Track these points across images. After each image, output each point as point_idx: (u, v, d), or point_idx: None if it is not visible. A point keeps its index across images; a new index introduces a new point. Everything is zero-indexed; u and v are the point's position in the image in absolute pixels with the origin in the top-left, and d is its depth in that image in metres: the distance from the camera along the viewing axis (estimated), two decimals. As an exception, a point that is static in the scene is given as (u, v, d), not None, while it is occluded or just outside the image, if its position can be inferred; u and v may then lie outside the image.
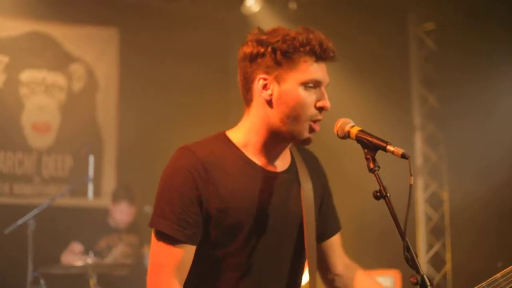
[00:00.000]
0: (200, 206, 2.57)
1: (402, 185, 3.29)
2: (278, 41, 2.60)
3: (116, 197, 7.35)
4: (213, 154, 2.63)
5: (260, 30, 2.69)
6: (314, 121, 2.64)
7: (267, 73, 2.63)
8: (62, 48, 8.39)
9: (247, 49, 2.65)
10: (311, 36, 2.61)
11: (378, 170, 2.45)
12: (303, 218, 2.75)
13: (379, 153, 2.49)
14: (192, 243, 2.58)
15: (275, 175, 2.71)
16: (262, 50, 2.62)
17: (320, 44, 2.62)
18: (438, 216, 8.60)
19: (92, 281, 6.28)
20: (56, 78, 8.36)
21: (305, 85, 2.61)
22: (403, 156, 2.39)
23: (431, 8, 8.61)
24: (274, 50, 2.60)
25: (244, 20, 8.53)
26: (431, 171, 8.73)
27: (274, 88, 2.62)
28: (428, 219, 8.69)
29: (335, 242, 3.00)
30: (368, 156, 2.48)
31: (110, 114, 8.59)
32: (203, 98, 8.39)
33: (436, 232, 8.62)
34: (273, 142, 2.68)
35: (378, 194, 2.43)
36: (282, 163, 2.75)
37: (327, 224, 2.95)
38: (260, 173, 2.68)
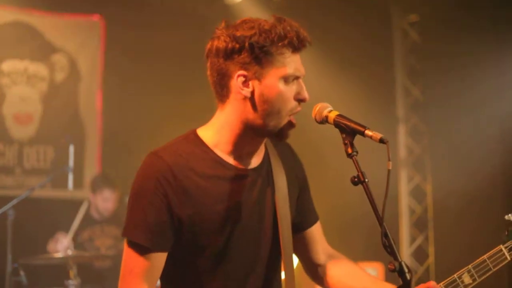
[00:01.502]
0: (170, 213, 2.54)
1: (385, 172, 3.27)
2: (254, 35, 2.52)
3: (96, 186, 7.30)
4: (182, 157, 2.58)
5: (227, 22, 2.60)
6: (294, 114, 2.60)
7: (245, 69, 2.54)
8: (44, 38, 8.33)
9: (220, 44, 2.56)
10: (287, 27, 2.54)
11: (356, 156, 2.43)
12: (276, 213, 2.72)
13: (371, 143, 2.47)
14: (162, 250, 2.57)
15: (247, 172, 2.66)
16: (237, 46, 2.53)
17: (297, 36, 2.55)
18: (422, 209, 8.60)
19: (72, 272, 6.23)
20: (38, 69, 8.30)
21: (286, 78, 2.55)
22: (381, 141, 2.36)
23: (414, 0, 8.60)
24: (251, 46, 2.51)
25: (227, 10, 8.49)
26: (415, 164, 8.73)
27: (254, 85, 2.54)
28: (412, 211, 8.69)
29: (315, 233, 2.97)
30: (346, 141, 2.45)
31: (92, 104, 8.52)
32: (186, 89, 8.34)
33: (419, 225, 8.62)
34: (248, 139, 2.63)
35: (356, 179, 2.40)
36: (255, 160, 2.70)
37: (305, 215, 2.92)
38: (232, 172, 2.63)
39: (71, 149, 7.28)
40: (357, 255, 7.28)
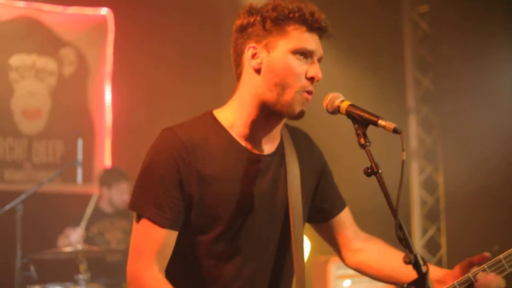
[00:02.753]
0: (181, 189, 2.51)
1: (396, 163, 3.23)
2: (268, 9, 2.57)
3: (113, 179, 7.29)
4: (197, 135, 2.57)
5: (252, 4, 2.64)
6: (306, 92, 2.59)
7: (256, 41, 2.59)
8: (52, 32, 8.30)
9: (238, 21, 2.63)
10: (302, 5, 2.57)
11: (369, 146, 2.39)
12: (288, 202, 2.69)
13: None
14: (173, 228, 2.53)
15: (260, 158, 2.65)
16: (252, 19, 2.59)
17: (311, 13, 2.58)
18: (433, 200, 8.55)
19: (82, 267, 6.21)
20: (47, 63, 8.28)
21: (295, 53, 2.57)
22: (395, 130, 2.32)
23: (425, -10, 8.56)
24: (263, 18, 2.57)
25: (236, 4, 8.44)
26: (426, 155, 8.68)
27: (263, 56, 2.58)
28: (423, 203, 8.64)
29: (344, 219, 2.98)
30: (358, 132, 2.42)
31: (101, 98, 8.50)
32: (197, 83, 8.31)
33: (431, 216, 8.57)
34: (263, 119, 2.62)
35: (369, 170, 2.36)
36: (269, 146, 2.69)
37: (331, 202, 2.92)
38: (245, 155, 2.62)
39: (80, 143, 7.25)
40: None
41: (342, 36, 8.25)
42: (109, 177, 7.37)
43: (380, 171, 2.34)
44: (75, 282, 6.25)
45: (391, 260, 2.89)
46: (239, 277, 2.61)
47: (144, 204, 2.52)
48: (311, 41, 2.60)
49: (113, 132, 8.46)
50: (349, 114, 2.46)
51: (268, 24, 2.57)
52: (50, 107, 8.26)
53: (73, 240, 6.70)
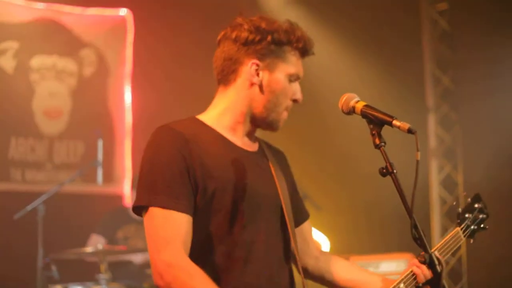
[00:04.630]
0: (188, 176, 2.57)
1: (411, 163, 3.24)
2: (276, 31, 2.74)
3: None
4: (188, 131, 2.67)
5: (247, 15, 2.83)
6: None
7: (259, 59, 2.74)
8: (72, 33, 8.35)
9: (242, 34, 2.76)
10: (302, 34, 2.79)
11: (384, 146, 2.42)
12: (280, 198, 2.79)
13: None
14: (189, 213, 2.57)
15: (247, 153, 2.78)
16: (259, 37, 2.73)
17: (309, 43, 2.80)
18: (453, 199, 8.53)
19: (103, 267, 6.25)
20: (67, 64, 8.33)
21: (290, 77, 2.77)
22: (409, 131, 2.36)
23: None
24: (273, 40, 2.73)
25: (255, 3, 8.47)
26: (445, 153, 8.66)
27: (264, 75, 2.74)
28: (443, 201, 8.62)
29: (306, 229, 3.05)
30: (373, 132, 2.47)
31: (121, 99, 8.54)
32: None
33: (450, 215, 8.54)
34: (246, 124, 2.79)
35: (384, 170, 2.40)
36: (251, 145, 2.84)
37: (297, 212, 2.97)
38: (234, 148, 2.75)
39: (100, 143, 7.29)
40: (388, 247, 7.26)
41: (361, 35, 8.32)
42: None
43: (395, 171, 2.37)
44: (96, 281, 6.29)
45: (352, 273, 3.00)
46: (248, 260, 2.65)
47: (157, 196, 2.55)
48: (301, 67, 2.83)
49: (133, 132, 8.49)
50: (364, 115, 2.52)
51: (274, 46, 2.75)
52: (70, 108, 8.30)
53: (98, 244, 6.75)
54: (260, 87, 2.75)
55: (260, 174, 2.78)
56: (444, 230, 8.52)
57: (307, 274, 2.99)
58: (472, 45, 8.04)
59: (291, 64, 2.77)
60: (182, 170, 2.57)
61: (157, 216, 2.55)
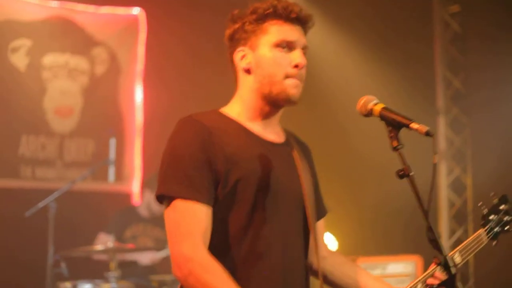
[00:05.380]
0: (210, 168, 2.58)
1: (423, 166, 3.26)
2: (247, 13, 2.77)
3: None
4: (213, 122, 2.69)
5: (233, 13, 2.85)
6: (295, 78, 2.75)
7: (243, 45, 2.78)
8: (84, 32, 8.38)
9: (226, 31, 2.83)
10: (275, 1, 2.76)
11: (401, 149, 2.42)
12: (303, 193, 2.79)
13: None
14: (210, 205, 2.58)
15: (272, 145, 2.78)
16: (236, 26, 2.79)
17: (284, 7, 2.75)
18: (461, 202, 8.53)
19: (113, 265, 6.28)
20: (79, 62, 8.35)
21: (277, 46, 2.74)
22: (427, 133, 2.36)
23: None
24: (243, 23, 2.76)
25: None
26: (455, 156, 8.66)
27: (250, 57, 2.76)
28: (451, 204, 8.62)
29: (322, 225, 3.05)
30: (391, 134, 2.46)
31: (132, 98, 8.56)
32: (229, 79, 8.32)
33: (458, 217, 8.55)
34: (264, 111, 2.78)
35: (401, 173, 2.40)
36: (277, 136, 2.83)
37: (316, 208, 2.96)
38: (258, 140, 2.75)
39: (113, 142, 7.32)
40: (395, 248, 7.26)
41: (372, 37, 8.32)
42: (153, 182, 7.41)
43: (412, 174, 2.38)
44: (106, 279, 6.32)
45: (353, 271, 3.01)
46: (266, 255, 2.64)
47: (179, 186, 2.56)
48: (290, 32, 2.76)
49: (144, 131, 8.51)
50: (382, 117, 2.51)
51: (249, 26, 2.76)
52: (82, 106, 8.33)
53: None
54: (252, 69, 2.76)
55: (285, 167, 2.77)
56: (452, 233, 8.53)
57: (311, 271, 2.99)
58: (483, 48, 8.03)
59: (274, 33, 2.74)
60: (204, 162, 2.58)
61: (178, 207, 2.56)
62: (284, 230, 2.70)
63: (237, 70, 2.82)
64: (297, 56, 2.74)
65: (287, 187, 2.73)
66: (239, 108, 2.79)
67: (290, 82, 2.72)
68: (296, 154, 2.85)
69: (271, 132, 2.81)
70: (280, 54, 2.73)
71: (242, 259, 2.61)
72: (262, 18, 2.75)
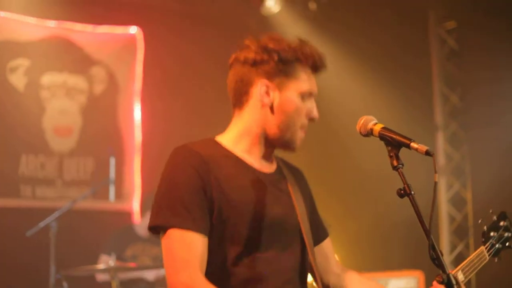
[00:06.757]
0: (205, 196, 2.59)
1: (422, 182, 3.28)
2: (284, 50, 2.73)
3: None
4: (206, 152, 2.68)
5: (254, 37, 2.82)
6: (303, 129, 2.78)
7: (269, 79, 2.73)
8: (82, 51, 8.40)
9: (249, 55, 2.76)
10: (312, 49, 2.77)
11: (402, 168, 2.45)
12: (298, 220, 2.80)
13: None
14: (206, 234, 2.58)
15: (265, 175, 2.77)
16: (266, 57, 2.73)
17: (320, 58, 2.77)
18: (462, 216, 8.54)
19: (115, 283, 6.26)
20: (77, 81, 8.36)
21: (303, 95, 2.74)
22: (427, 153, 2.38)
23: (452, 7, 8.57)
24: (279, 59, 2.71)
25: (265, 21, 8.50)
26: (454, 171, 8.67)
27: (275, 95, 2.74)
28: (452, 219, 8.63)
29: (326, 247, 3.06)
30: (391, 154, 2.48)
31: (130, 116, 8.58)
32: (226, 100, 8.33)
33: (459, 232, 8.56)
34: (263, 146, 2.79)
35: (402, 192, 2.42)
36: (269, 167, 2.83)
37: (316, 231, 2.97)
38: (251, 171, 2.74)
39: (112, 161, 7.33)
40: (395, 264, 7.26)
41: (369, 53, 8.35)
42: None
43: (412, 193, 2.40)
44: (107, 298, 6.31)
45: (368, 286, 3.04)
46: (262, 282, 2.65)
47: (175, 216, 2.56)
48: (314, 84, 2.80)
49: (143, 149, 8.52)
50: (382, 137, 2.53)
51: (282, 65, 2.73)
52: (81, 125, 8.33)
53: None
54: (272, 107, 2.73)
55: (278, 196, 2.77)
56: (453, 248, 8.53)
57: None
58: (480, 64, 8.06)
59: (302, 81, 2.74)
60: (199, 190, 2.58)
61: (174, 236, 2.56)
62: (280, 258, 2.70)
63: (249, 97, 2.77)
64: (314, 109, 2.79)
65: (281, 216, 2.74)
66: (239, 138, 2.79)
67: (301, 133, 2.78)
68: (289, 182, 2.86)
69: (265, 163, 2.82)
70: (302, 104, 2.74)
71: (239, 286, 2.61)
72: (296, 61, 2.74)
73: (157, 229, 2.63)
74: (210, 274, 2.57)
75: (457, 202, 8.60)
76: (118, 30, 8.60)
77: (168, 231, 2.57)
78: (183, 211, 2.55)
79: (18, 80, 8.02)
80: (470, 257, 3.14)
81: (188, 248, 2.53)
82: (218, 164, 2.66)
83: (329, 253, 3.04)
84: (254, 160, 2.77)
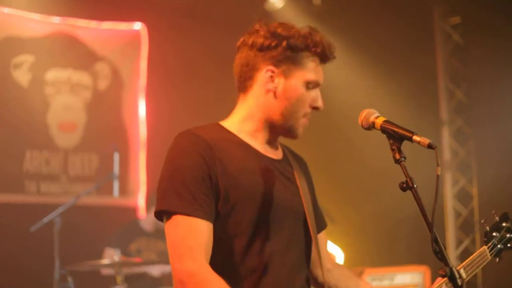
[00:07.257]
0: (210, 183, 2.55)
1: (426, 177, 3.27)
2: (293, 36, 2.69)
3: None
4: (212, 135, 2.66)
5: (265, 21, 2.78)
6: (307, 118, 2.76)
7: (275, 65, 2.71)
8: (87, 47, 8.39)
9: (258, 39, 2.73)
10: (322, 38, 2.73)
11: (404, 161, 2.43)
12: (304, 207, 2.78)
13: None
14: (211, 220, 2.55)
15: (271, 160, 2.75)
16: (274, 42, 2.70)
17: (329, 48, 2.74)
18: (467, 212, 8.53)
19: (119, 278, 6.27)
20: (82, 77, 8.37)
21: (308, 84, 2.72)
22: (429, 146, 2.37)
23: (456, 2, 8.55)
24: (288, 45, 2.68)
25: (268, 17, 8.49)
26: (460, 166, 8.66)
27: (279, 82, 2.71)
28: (457, 214, 8.62)
29: (323, 238, 3.04)
30: (393, 147, 2.46)
31: (135, 112, 8.58)
32: (231, 93, 8.33)
33: (465, 227, 8.55)
34: (267, 131, 2.76)
35: (404, 185, 2.41)
36: (275, 153, 2.81)
37: (316, 221, 2.94)
38: (257, 156, 2.72)
39: (116, 156, 7.33)
40: (401, 259, 7.25)
41: (374, 49, 8.34)
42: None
43: (415, 186, 2.39)
44: (112, 293, 6.31)
45: (357, 285, 3.02)
46: (267, 270, 2.62)
47: (179, 202, 2.52)
48: (321, 74, 2.76)
49: (148, 145, 8.52)
50: (384, 130, 2.51)
51: (290, 52, 2.69)
52: (85, 121, 8.34)
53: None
54: (276, 94, 2.71)
55: (285, 182, 2.74)
56: (459, 243, 8.52)
57: (316, 284, 2.98)
58: (485, 59, 8.05)
59: (309, 70, 2.72)
60: (204, 176, 2.54)
61: (179, 223, 2.51)
62: (286, 246, 2.68)
63: (254, 81, 2.74)
64: (319, 98, 2.77)
65: (288, 203, 2.71)
66: (243, 123, 2.76)
67: (303, 121, 2.75)
68: (295, 169, 2.84)
69: (270, 149, 2.79)
70: (306, 92, 2.72)
71: (245, 275, 2.59)
72: (305, 49, 2.71)
73: (161, 214, 2.60)
74: (217, 262, 2.55)
75: (463, 197, 8.60)
76: (122, 26, 8.59)
77: (173, 216, 2.53)
78: (189, 196, 2.51)
79: (22, 76, 8.02)
80: (473, 256, 3.15)
81: (193, 234, 2.50)
82: (224, 148, 2.62)
83: (322, 246, 3.00)
84: (259, 145, 2.74)
